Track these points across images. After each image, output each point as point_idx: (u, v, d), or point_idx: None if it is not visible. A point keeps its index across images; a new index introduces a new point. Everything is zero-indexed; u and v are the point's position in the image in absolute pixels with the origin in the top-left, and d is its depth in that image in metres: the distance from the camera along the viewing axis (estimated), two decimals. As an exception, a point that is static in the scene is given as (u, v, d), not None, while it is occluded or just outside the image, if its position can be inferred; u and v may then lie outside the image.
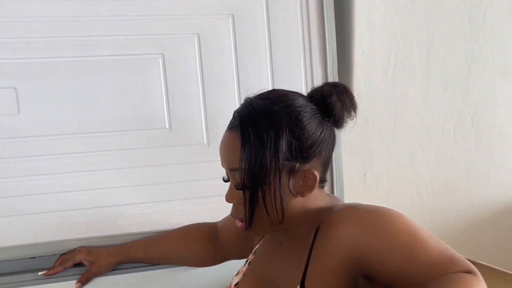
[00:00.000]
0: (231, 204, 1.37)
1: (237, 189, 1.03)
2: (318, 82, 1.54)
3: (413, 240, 0.95)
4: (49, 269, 1.35)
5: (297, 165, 1.01)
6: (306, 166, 1.02)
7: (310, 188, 1.03)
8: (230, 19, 1.46)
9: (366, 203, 1.04)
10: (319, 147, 1.03)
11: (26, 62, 1.33)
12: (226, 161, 1.06)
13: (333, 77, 1.54)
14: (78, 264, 1.36)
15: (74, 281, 1.33)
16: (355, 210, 1.01)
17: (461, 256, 0.96)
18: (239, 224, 1.07)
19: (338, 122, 1.06)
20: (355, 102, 1.07)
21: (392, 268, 0.95)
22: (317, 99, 1.05)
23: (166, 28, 1.42)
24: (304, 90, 1.52)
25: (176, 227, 1.41)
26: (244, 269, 1.21)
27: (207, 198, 1.46)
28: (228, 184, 1.09)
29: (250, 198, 1.01)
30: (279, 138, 0.98)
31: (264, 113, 1.00)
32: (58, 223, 1.38)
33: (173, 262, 1.41)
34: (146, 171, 1.42)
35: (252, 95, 1.08)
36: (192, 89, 1.44)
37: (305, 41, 1.52)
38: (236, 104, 1.46)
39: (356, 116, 1.07)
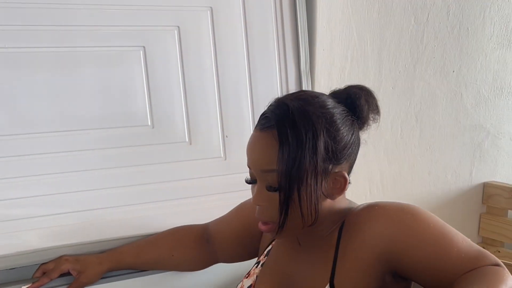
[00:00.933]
0: (216, 204, 1.53)
1: (270, 190, 1.13)
2: (292, 76, 1.72)
3: (442, 235, 1.11)
4: (33, 281, 1.36)
5: (331, 166, 1.11)
6: (337, 168, 1.13)
7: (340, 191, 1.15)
8: (208, 12, 1.61)
9: (387, 201, 1.18)
10: (350, 149, 1.15)
11: (3, 51, 1.38)
12: (259, 163, 1.13)
13: (306, 73, 1.73)
14: (63, 274, 1.37)
15: None
16: (383, 209, 1.15)
17: (487, 250, 1.12)
18: (263, 227, 1.17)
19: (363, 125, 1.18)
20: (379, 105, 1.20)
21: (423, 264, 1.10)
22: (344, 100, 1.17)
23: (147, 20, 1.48)
24: (278, 83, 1.71)
25: (162, 229, 1.47)
26: (257, 271, 1.31)
27: (192, 198, 1.55)
28: (249, 185, 1.18)
29: (285, 199, 1.10)
30: (317, 138, 1.09)
31: (301, 114, 1.10)
32: (38, 230, 1.38)
33: (164, 268, 1.47)
34: (129, 171, 1.46)
35: (280, 96, 1.16)
36: (173, 84, 1.52)
37: (279, 36, 1.66)
38: (216, 99, 1.62)
39: (379, 119, 1.20)
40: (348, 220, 1.20)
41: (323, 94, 1.18)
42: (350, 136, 1.15)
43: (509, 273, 1.08)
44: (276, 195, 1.12)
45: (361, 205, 1.23)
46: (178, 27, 1.55)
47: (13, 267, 1.38)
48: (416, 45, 2.06)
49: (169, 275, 1.50)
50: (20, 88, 1.38)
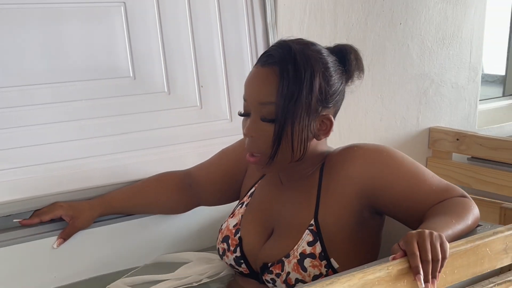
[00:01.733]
0: (194, 152, 1.65)
1: (264, 121, 1.25)
2: (259, 29, 1.83)
3: (415, 171, 1.28)
4: (24, 219, 1.45)
5: (320, 108, 1.25)
6: (325, 111, 1.27)
7: (326, 132, 1.30)
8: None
9: (364, 143, 1.34)
10: (338, 96, 1.29)
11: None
12: (257, 95, 1.26)
13: (272, 26, 1.85)
14: (53, 220, 1.46)
15: (52, 238, 1.44)
16: (362, 149, 1.31)
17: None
18: (252, 159, 1.29)
19: (349, 78, 1.33)
20: (363, 65, 1.34)
21: (399, 197, 1.26)
22: (336, 53, 1.31)
23: None
24: (247, 36, 1.81)
25: (146, 176, 1.58)
26: (242, 210, 1.42)
27: (171, 146, 1.64)
28: (241, 118, 1.31)
29: (280, 130, 1.23)
30: (314, 79, 1.23)
31: (302, 55, 1.24)
32: (29, 179, 1.45)
33: (151, 212, 1.59)
34: (113, 121, 1.55)
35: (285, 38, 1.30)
36: (152, 38, 1.61)
37: None
38: (191, 52, 1.72)
39: (363, 78, 1.35)
40: (329, 160, 1.35)
41: (319, 44, 1.32)
42: (339, 84, 1.30)
43: (474, 203, 1.26)
44: (269, 126, 1.25)
45: (339, 147, 1.38)
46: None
47: (8, 214, 1.46)
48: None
49: (154, 219, 1.61)
50: (9, 42, 1.45)
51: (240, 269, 1.40)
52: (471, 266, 1.16)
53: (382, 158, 1.29)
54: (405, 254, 1.06)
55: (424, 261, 1.03)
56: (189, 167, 1.64)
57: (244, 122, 1.32)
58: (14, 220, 1.45)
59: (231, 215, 1.46)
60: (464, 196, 1.29)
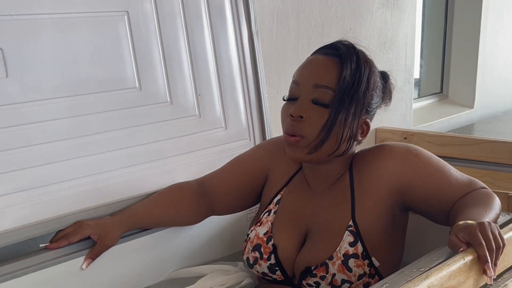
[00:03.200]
0: (199, 161, 1.67)
1: (316, 104, 1.29)
2: (245, 37, 1.89)
3: (441, 167, 1.39)
4: (51, 242, 1.40)
5: (364, 111, 1.33)
6: (365, 116, 1.35)
7: (364, 136, 1.38)
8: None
9: (390, 142, 1.47)
10: (376, 108, 1.39)
11: (8, 19, 1.37)
12: (314, 77, 1.31)
13: (256, 33, 1.92)
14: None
15: (79, 259, 1.40)
16: (391, 149, 1.40)
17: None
18: (293, 138, 1.31)
19: (385, 99, 1.41)
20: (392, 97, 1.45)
21: (429, 193, 1.36)
22: (380, 73, 1.40)
23: None
24: (234, 44, 1.85)
25: (157, 189, 1.58)
26: (271, 218, 1.45)
27: (176, 156, 1.64)
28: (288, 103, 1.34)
29: (334, 117, 1.29)
30: (370, 78, 1.32)
31: (363, 54, 1.35)
32: (48, 199, 1.40)
33: (171, 224, 1.59)
34: (122, 134, 1.52)
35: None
36: (154, 48, 1.60)
37: (233, 4, 1.84)
38: (188, 61, 1.72)
39: (387, 107, 1.44)
40: (357, 160, 1.42)
41: None
42: (380, 96, 1.39)
43: (494, 193, 1.38)
44: (321, 110, 1.30)
45: (365, 148, 1.46)
46: (154, -8, 1.64)
47: (31, 237, 1.41)
48: (324, 6, 2.34)
49: (165, 233, 1.60)
50: (23, 56, 1.39)
51: (274, 276, 1.43)
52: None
53: (412, 156, 1.39)
54: (468, 245, 1.15)
55: (490, 250, 1.13)
56: (198, 177, 1.65)
57: (288, 106, 1.36)
58: (41, 245, 1.40)
59: (258, 224, 1.48)
60: (485, 188, 1.42)
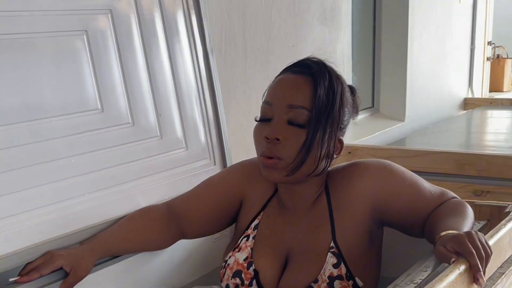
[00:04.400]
0: (163, 183, 1.64)
1: (292, 125, 1.28)
2: (200, 55, 1.86)
3: (415, 181, 1.42)
4: (21, 275, 1.31)
5: (339, 128, 1.34)
6: (339, 134, 1.36)
7: (339, 153, 1.38)
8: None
9: (364, 159, 1.46)
10: (347, 123, 1.39)
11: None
12: (288, 98, 1.29)
13: (211, 50, 1.90)
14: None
15: None
16: (366, 165, 1.41)
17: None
18: (270, 161, 1.30)
19: (354, 113, 1.41)
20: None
21: (405, 207, 1.39)
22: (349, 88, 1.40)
23: (83, 3, 1.54)
24: (191, 62, 1.83)
25: (125, 214, 1.53)
26: (250, 243, 1.43)
27: (141, 179, 1.60)
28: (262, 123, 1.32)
29: (312, 137, 1.28)
30: (343, 95, 1.32)
31: (334, 72, 1.34)
32: (14, 230, 1.31)
33: (142, 250, 1.53)
34: (86, 158, 1.46)
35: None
36: (113, 67, 1.56)
37: (188, 23, 1.79)
38: (147, 80, 1.68)
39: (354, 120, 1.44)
40: (332, 179, 1.42)
41: None
42: (350, 112, 1.40)
43: (466, 202, 1.42)
44: (297, 131, 1.29)
45: (337, 165, 1.46)
46: (111, 10, 1.60)
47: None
48: (267, 24, 2.36)
49: (137, 259, 1.55)
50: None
51: None
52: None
53: (387, 173, 1.41)
54: (458, 255, 1.16)
55: (480, 259, 1.15)
56: (163, 199, 1.62)
57: (262, 127, 1.34)
58: (11, 280, 1.31)
59: (237, 249, 1.45)
60: (456, 197, 1.46)
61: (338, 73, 1.38)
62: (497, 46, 5.32)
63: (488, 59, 5.18)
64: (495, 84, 5.36)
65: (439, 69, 3.96)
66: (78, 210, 1.47)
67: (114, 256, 1.50)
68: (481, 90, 4.97)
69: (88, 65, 1.53)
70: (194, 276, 1.72)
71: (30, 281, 1.31)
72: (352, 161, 1.47)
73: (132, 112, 1.63)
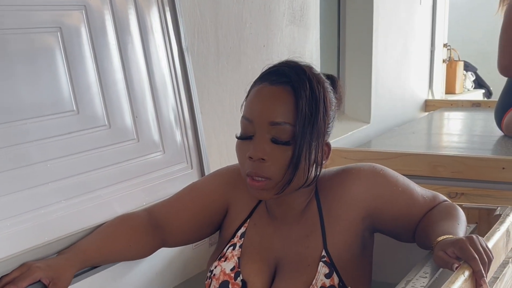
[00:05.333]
0: (141, 188, 1.58)
1: (276, 143, 1.21)
2: (176, 53, 1.80)
3: (407, 185, 1.39)
4: None
5: (325, 134, 1.28)
6: (326, 137, 1.30)
7: (327, 158, 1.32)
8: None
9: (355, 164, 1.41)
10: (333, 122, 1.33)
11: None
12: (269, 114, 1.21)
13: (186, 49, 1.83)
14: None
15: None
16: (358, 171, 1.36)
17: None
18: (258, 183, 1.24)
19: (338, 106, 1.34)
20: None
21: (399, 213, 1.36)
22: (328, 79, 1.32)
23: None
24: (166, 60, 1.77)
25: (104, 220, 1.46)
26: (237, 253, 1.38)
27: (118, 184, 1.53)
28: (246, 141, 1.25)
29: (298, 155, 1.22)
30: (326, 99, 1.25)
31: (313, 75, 1.25)
32: None
33: (122, 259, 1.45)
34: (63, 163, 1.39)
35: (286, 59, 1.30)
36: (88, 66, 1.49)
37: (163, 21, 1.72)
38: (123, 81, 1.61)
39: (340, 108, 1.39)
40: (322, 185, 1.37)
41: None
42: (335, 110, 1.34)
43: (457, 205, 1.41)
44: (282, 148, 1.22)
45: (328, 171, 1.41)
46: (85, 6, 1.52)
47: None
48: (239, 23, 2.30)
49: (116, 268, 1.48)
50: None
51: None
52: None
53: (380, 178, 1.37)
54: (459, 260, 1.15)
55: (483, 264, 1.13)
56: (141, 205, 1.56)
57: (243, 145, 1.27)
58: None
59: (223, 259, 1.40)
60: (447, 200, 1.45)
61: (316, 72, 1.30)
62: (451, 49, 5.40)
63: (444, 61, 5.24)
64: (449, 87, 5.43)
65: (402, 71, 3.98)
66: (55, 218, 1.39)
67: (93, 267, 1.42)
68: (440, 92, 5.03)
69: (63, 63, 1.45)
70: (174, 283, 1.65)
71: None
72: (343, 166, 1.43)
73: (108, 113, 1.56)
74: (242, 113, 1.31)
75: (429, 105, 4.49)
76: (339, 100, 1.37)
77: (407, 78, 4.10)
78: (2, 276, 1.27)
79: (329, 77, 1.37)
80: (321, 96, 1.25)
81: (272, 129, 1.23)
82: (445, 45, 5.21)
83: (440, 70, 4.99)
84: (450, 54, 5.37)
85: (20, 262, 1.30)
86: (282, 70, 1.26)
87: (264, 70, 1.32)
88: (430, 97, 4.66)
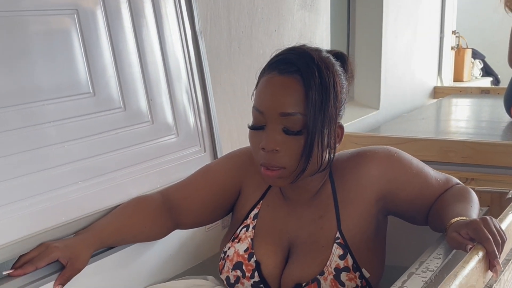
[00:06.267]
0: (155, 170, 1.59)
1: (288, 134, 1.22)
2: (189, 36, 1.81)
3: (422, 168, 1.40)
4: (15, 268, 1.25)
5: (336, 118, 1.27)
6: (338, 119, 1.29)
7: (340, 141, 1.32)
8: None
9: (370, 147, 1.41)
10: (345, 102, 1.33)
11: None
12: (279, 106, 1.22)
13: (199, 32, 1.84)
14: None
15: (47, 286, 1.26)
16: (374, 154, 1.37)
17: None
18: (273, 173, 1.24)
19: (350, 84, 1.34)
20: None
21: (413, 196, 1.37)
22: (337, 58, 1.31)
23: None
24: (180, 44, 1.78)
25: (119, 202, 1.48)
26: (250, 234, 1.39)
27: (133, 166, 1.55)
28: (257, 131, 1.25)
29: (311, 144, 1.22)
30: (336, 85, 1.25)
31: (322, 61, 1.24)
32: (5, 220, 1.27)
33: (138, 240, 1.47)
34: (80, 144, 1.41)
35: (294, 45, 1.29)
36: (104, 49, 1.50)
37: (177, 5, 1.74)
38: (138, 63, 1.62)
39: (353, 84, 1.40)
40: (337, 168, 1.38)
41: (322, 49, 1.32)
42: (347, 90, 1.34)
43: (470, 188, 1.42)
44: (294, 138, 1.23)
45: (342, 153, 1.42)
46: (101, -12, 1.53)
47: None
48: (251, 8, 2.31)
49: (131, 250, 1.50)
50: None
51: None
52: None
53: (394, 161, 1.38)
54: (473, 241, 1.16)
55: (496, 245, 1.14)
56: (155, 188, 1.58)
57: (256, 135, 1.28)
58: (4, 273, 1.24)
59: (236, 240, 1.41)
60: (460, 183, 1.45)
61: (325, 56, 1.29)
62: (459, 36, 5.38)
63: (452, 48, 5.23)
64: (457, 74, 5.42)
65: (411, 58, 3.98)
66: (72, 199, 1.41)
67: (109, 248, 1.45)
68: (449, 79, 5.02)
69: (79, 46, 1.46)
70: (187, 266, 1.68)
71: (25, 274, 1.26)
72: (358, 149, 1.44)
73: (124, 96, 1.57)
74: (253, 102, 1.31)
75: (438, 92, 4.49)
76: (351, 77, 1.37)
77: (416, 64, 4.10)
78: (20, 256, 1.29)
79: (339, 55, 1.36)
80: (331, 82, 1.25)
81: (283, 119, 1.23)
82: (453, 32, 5.19)
83: (449, 57, 4.97)
84: (459, 42, 5.35)
85: (38, 242, 1.32)
86: (291, 59, 1.25)
87: (272, 56, 1.31)
88: (439, 84, 4.65)
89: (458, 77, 5.43)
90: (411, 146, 2.45)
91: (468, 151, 2.39)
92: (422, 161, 1.46)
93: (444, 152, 2.43)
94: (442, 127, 3.35)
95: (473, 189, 1.50)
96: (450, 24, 4.88)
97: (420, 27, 4.13)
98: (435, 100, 4.37)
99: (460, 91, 4.41)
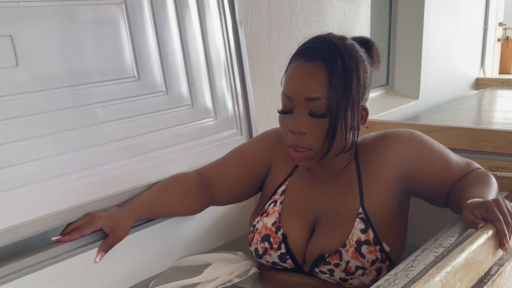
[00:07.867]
0: (194, 151, 1.69)
1: (313, 117, 1.31)
2: (230, 26, 1.90)
3: (443, 151, 1.46)
4: (63, 235, 1.37)
5: (362, 99, 1.36)
6: (362, 102, 1.38)
7: (364, 122, 1.40)
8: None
9: (394, 129, 1.49)
10: (370, 86, 1.41)
11: (16, 6, 1.33)
12: (305, 91, 1.31)
13: (239, 22, 1.92)
14: None
15: (90, 252, 1.38)
16: (397, 136, 1.44)
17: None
18: (299, 154, 1.34)
19: (375, 69, 1.42)
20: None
21: (434, 177, 1.43)
22: (362, 44, 1.39)
23: None
24: (221, 33, 1.87)
25: (158, 180, 1.59)
26: (278, 208, 1.48)
27: (173, 147, 1.67)
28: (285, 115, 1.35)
29: (334, 126, 1.31)
30: (359, 71, 1.33)
31: (345, 48, 1.33)
32: (56, 191, 1.37)
33: (175, 214, 1.59)
34: (124, 125, 1.52)
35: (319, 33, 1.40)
36: (149, 37, 1.61)
37: None
38: (180, 50, 1.72)
39: (379, 69, 1.46)
40: (362, 148, 1.47)
41: (347, 36, 1.41)
42: (371, 74, 1.42)
43: (490, 173, 1.48)
44: (320, 121, 1.32)
45: (368, 135, 1.51)
46: (146, -20, 1.64)
47: (41, 231, 1.37)
48: (292, -1, 2.40)
49: (166, 224, 1.61)
50: (32, 43, 1.37)
51: (285, 265, 1.47)
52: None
53: (417, 143, 1.45)
54: (485, 221, 1.22)
55: (507, 225, 1.21)
56: (193, 167, 1.68)
57: (285, 119, 1.37)
58: (53, 239, 1.37)
59: (265, 214, 1.50)
60: (480, 168, 1.51)
61: (348, 44, 1.37)
62: (507, 28, 5.33)
63: (498, 40, 5.19)
64: (504, 66, 5.37)
65: (453, 49, 3.99)
66: (116, 174, 1.52)
67: (148, 220, 1.56)
68: (492, 70, 4.99)
69: (126, 33, 1.57)
70: (221, 242, 1.78)
71: (72, 240, 1.38)
72: (382, 131, 1.51)
73: (166, 81, 1.67)
74: (282, 88, 1.40)
75: (480, 83, 4.48)
76: (377, 62, 1.45)
77: (458, 55, 4.10)
78: (68, 224, 1.41)
79: (364, 42, 1.44)
80: (354, 68, 1.33)
81: (308, 104, 1.33)
82: (500, 24, 5.15)
83: (494, 49, 4.94)
84: (506, 33, 5.30)
85: (84, 212, 1.44)
86: (316, 47, 1.34)
87: (300, 45, 1.40)
88: (482, 76, 4.63)
89: (505, 69, 5.39)
90: (443, 134, 2.49)
91: (500, 140, 2.42)
92: (455, 150, 1.52)
93: (476, 141, 2.47)
94: (479, 117, 3.37)
95: (494, 174, 1.55)
96: (496, 16, 4.84)
97: (463, 18, 4.13)
98: (477, 91, 4.36)
99: (503, 83, 4.39)
